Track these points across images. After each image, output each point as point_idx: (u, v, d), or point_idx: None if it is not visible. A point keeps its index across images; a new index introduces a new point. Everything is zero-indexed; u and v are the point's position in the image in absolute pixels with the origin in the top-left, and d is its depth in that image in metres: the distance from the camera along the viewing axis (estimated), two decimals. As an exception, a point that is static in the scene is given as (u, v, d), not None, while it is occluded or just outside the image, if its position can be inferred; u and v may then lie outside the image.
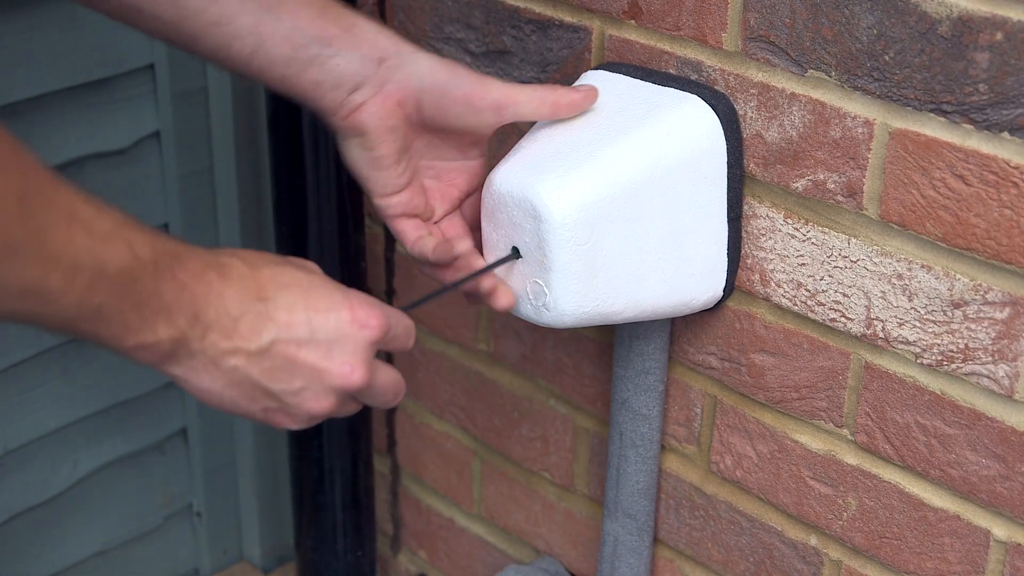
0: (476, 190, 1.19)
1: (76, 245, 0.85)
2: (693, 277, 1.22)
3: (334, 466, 1.64)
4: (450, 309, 1.56)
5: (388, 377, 1.05)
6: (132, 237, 0.89)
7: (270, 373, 0.98)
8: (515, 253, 1.14)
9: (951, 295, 1.12)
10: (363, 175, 1.15)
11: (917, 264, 1.14)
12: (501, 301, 1.14)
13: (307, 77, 1.10)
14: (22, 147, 0.83)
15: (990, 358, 1.11)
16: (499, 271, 1.16)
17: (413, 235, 1.16)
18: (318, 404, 1.00)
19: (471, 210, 1.20)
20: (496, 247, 1.16)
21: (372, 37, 1.11)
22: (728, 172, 1.21)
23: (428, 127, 1.14)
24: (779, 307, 1.24)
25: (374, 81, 1.11)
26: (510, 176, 1.14)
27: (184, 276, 0.93)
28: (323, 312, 0.98)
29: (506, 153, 1.18)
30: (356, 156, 1.14)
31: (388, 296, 1.65)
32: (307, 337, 0.98)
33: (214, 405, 0.99)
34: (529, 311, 1.16)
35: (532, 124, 1.21)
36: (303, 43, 1.09)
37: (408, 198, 1.16)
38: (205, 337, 0.95)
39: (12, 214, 0.81)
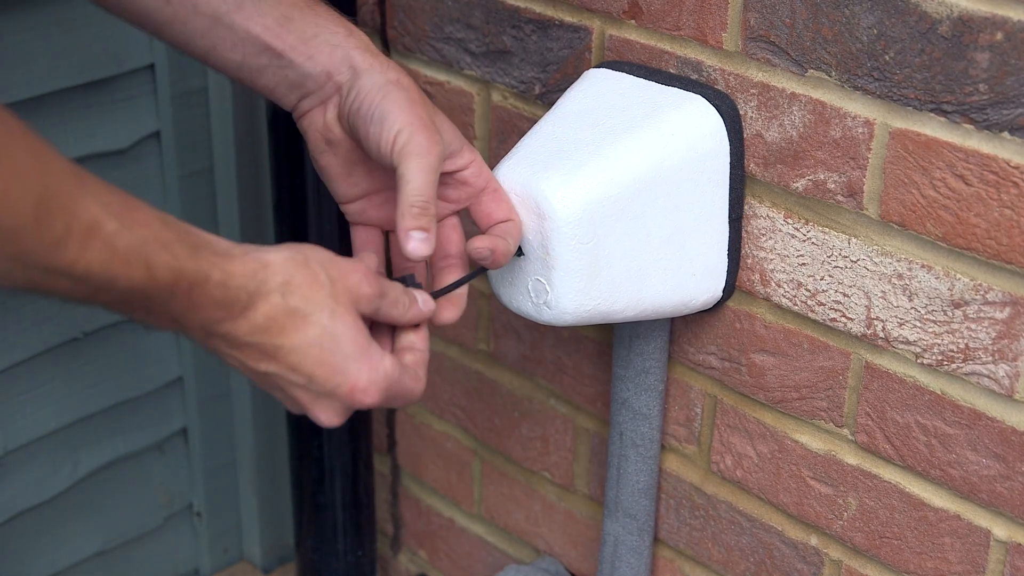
0: (473, 195, 1.15)
1: (91, 260, 0.84)
2: (694, 277, 1.22)
3: (334, 466, 1.64)
4: (450, 309, 1.56)
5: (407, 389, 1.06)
6: (154, 259, 0.88)
7: (264, 385, 1.02)
8: (517, 250, 1.14)
9: (951, 295, 1.12)
10: (321, 175, 1.15)
11: (917, 264, 1.14)
12: (445, 316, 1.12)
13: (260, 82, 1.11)
14: (47, 150, 0.82)
15: (990, 358, 1.11)
16: (500, 268, 1.17)
17: (360, 248, 1.16)
18: (298, 410, 1.04)
19: (478, 208, 1.15)
20: None
21: (329, 51, 1.09)
22: (730, 172, 1.21)
23: (358, 146, 1.12)
24: (779, 307, 1.24)
25: (319, 94, 1.11)
26: (514, 174, 1.14)
27: (202, 300, 0.93)
28: (327, 376, 0.99)
29: (507, 152, 1.18)
30: (312, 158, 1.15)
31: (388, 296, 1.65)
32: (304, 385, 1.00)
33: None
34: (530, 309, 1.16)
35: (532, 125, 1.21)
36: (254, 52, 1.09)
37: (364, 208, 1.15)
38: (208, 340, 0.97)
39: (26, 223, 0.80)
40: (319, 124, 1.12)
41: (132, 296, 0.89)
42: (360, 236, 1.17)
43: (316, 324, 0.98)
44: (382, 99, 1.07)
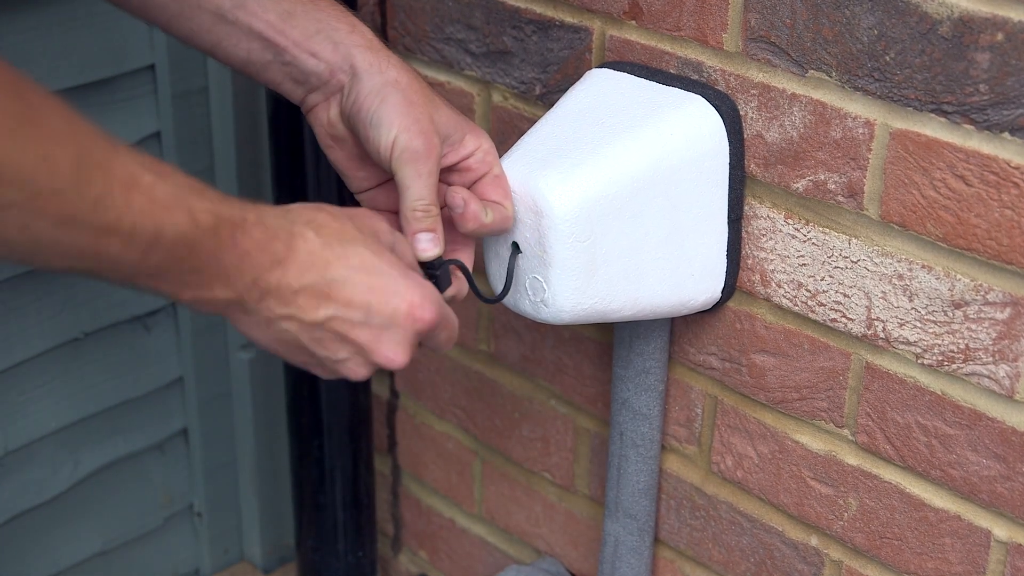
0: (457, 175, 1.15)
1: (135, 211, 0.86)
2: (692, 277, 1.22)
3: (335, 466, 1.64)
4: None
5: (446, 336, 1.09)
6: (194, 204, 0.90)
7: (320, 342, 1.01)
8: (515, 248, 1.14)
9: (952, 295, 1.12)
10: (334, 166, 1.17)
11: (918, 264, 1.14)
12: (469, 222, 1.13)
13: (265, 76, 1.12)
14: (77, 116, 0.84)
15: (991, 358, 1.11)
16: (497, 267, 1.17)
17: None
18: (357, 372, 1.04)
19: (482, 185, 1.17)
20: (497, 241, 1.16)
21: (331, 47, 1.10)
22: (730, 173, 1.21)
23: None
24: (780, 307, 1.24)
25: (323, 91, 1.12)
26: (512, 172, 1.14)
27: (247, 244, 0.94)
28: (382, 300, 1.01)
29: (507, 150, 1.18)
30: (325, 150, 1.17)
31: (389, 296, 1.65)
32: (362, 320, 1.01)
33: (261, 347, 1.02)
34: (527, 307, 1.17)
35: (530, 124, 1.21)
36: (257, 48, 1.10)
37: (379, 196, 1.16)
38: (262, 300, 0.97)
39: (68, 182, 0.82)
40: (324, 120, 1.13)
41: (180, 251, 0.90)
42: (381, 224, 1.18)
43: (355, 253, 1.00)
44: (380, 104, 1.08)
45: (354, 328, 1.01)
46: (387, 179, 1.15)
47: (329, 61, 1.10)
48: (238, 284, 0.95)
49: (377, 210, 1.16)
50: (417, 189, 1.07)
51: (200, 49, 1.13)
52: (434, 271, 1.09)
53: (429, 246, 1.08)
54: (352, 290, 1.00)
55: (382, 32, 1.51)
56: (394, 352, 1.03)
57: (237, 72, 1.15)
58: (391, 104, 1.08)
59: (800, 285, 1.22)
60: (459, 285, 1.13)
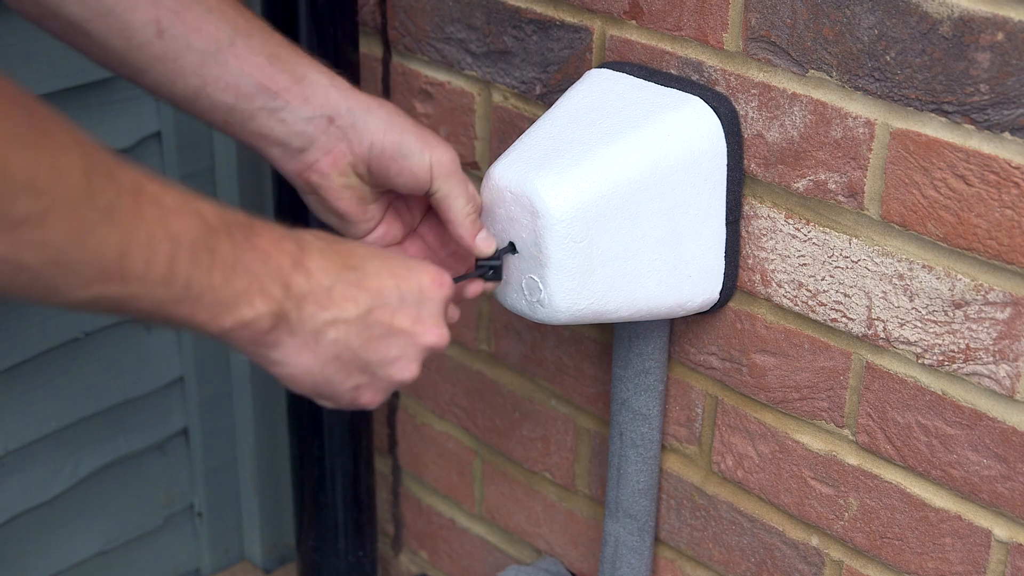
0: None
1: (147, 218, 0.84)
2: (690, 279, 1.22)
3: (335, 466, 1.64)
4: (451, 309, 1.56)
5: (452, 309, 1.11)
6: (200, 208, 0.88)
7: (369, 343, 0.99)
8: (479, 272, 1.14)
9: (952, 295, 1.12)
10: (331, 225, 1.14)
11: (918, 264, 1.14)
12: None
13: (250, 128, 1.08)
14: (79, 130, 0.82)
15: (991, 358, 1.11)
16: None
17: None
18: (407, 371, 1.03)
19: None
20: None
21: (323, 92, 1.08)
22: (728, 175, 1.21)
23: (376, 184, 1.13)
24: (780, 307, 1.24)
25: (324, 142, 1.09)
26: (509, 171, 1.14)
27: (263, 244, 0.92)
28: (406, 277, 1.01)
29: (505, 150, 1.18)
30: (317, 209, 1.13)
31: (389, 296, 1.65)
32: (398, 303, 1.00)
33: (306, 389, 0.99)
34: (524, 307, 1.17)
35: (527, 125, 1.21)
36: (248, 92, 1.06)
37: (383, 232, 1.15)
38: (302, 308, 0.95)
39: (79, 192, 0.79)
40: (332, 173, 1.10)
41: (202, 257, 0.87)
42: None
43: (357, 245, 1.00)
44: (401, 133, 1.09)
45: (395, 314, 1.00)
46: (384, 208, 1.15)
47: (323, 107, 1.08)
48: (274, 290, 0.92)
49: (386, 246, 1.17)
50: (463, 197, 1.11)
51: (177, 99, 1.07)
52: (492, 264, 1.14)
53: (490, 242, 1.12)
54: (379, 279, 0.99)
55: (382, 32, 1.51)
56: (438, 328, 1.03)
57: (215, 126, 1.09)
58: (408, 130, 1.10)
59: (801, 285, 1.22)
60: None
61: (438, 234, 1.19)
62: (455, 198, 1.11)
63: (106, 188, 0.81)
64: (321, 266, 0.96)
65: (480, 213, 1.14)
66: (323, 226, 1.53)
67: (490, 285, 1.16)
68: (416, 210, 1.18)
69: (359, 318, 0.98)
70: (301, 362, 0.97)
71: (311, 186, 1.11)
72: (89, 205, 0.80)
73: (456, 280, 1.10)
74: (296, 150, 1.09)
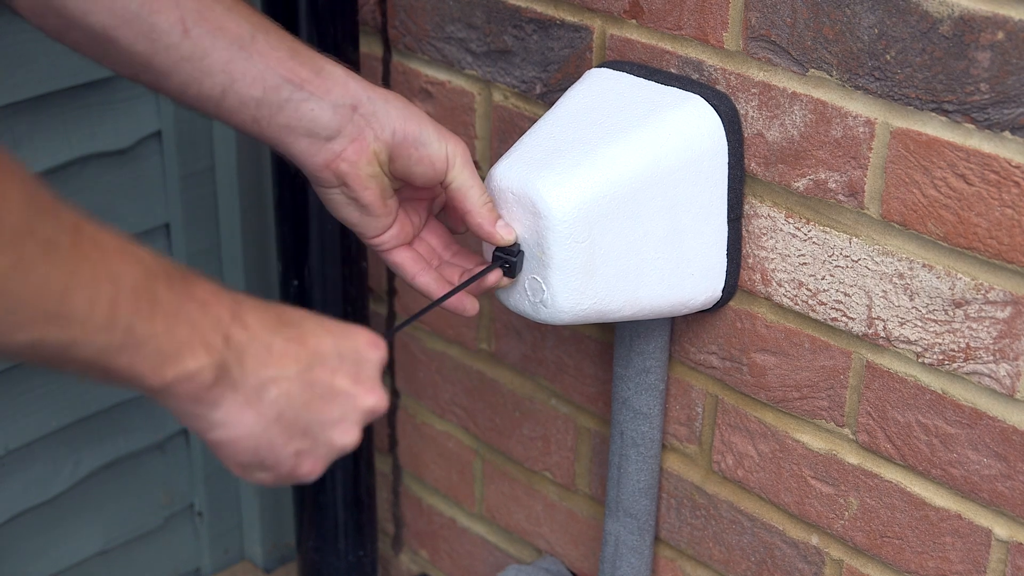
0: (439, 189, 1.17)
1: (89, 258, 0.81)
2: (692, 277, 1.22)
3: (335, 465, 1.63)
4: (451, 309, 1.56)
5: None
6: (139, 253, 0.85)
7: (311, 403, 0.94)
8: (496, 263, 1.14)
9: (952, 294, 1.12)
10: (351, 220, 1.13)
11: (918, 263, 1.14)
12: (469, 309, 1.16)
13: (278, 121, 1.08)
14: (20, 161, 0.79)
15: (991, 357, 1.11)
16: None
17: (413, 269, 1.16)
18: (349, 435, 0.97)
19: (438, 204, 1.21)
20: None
21: (343, 81, 1.09)
22: (729, 173, 1.21)
23: (395, 173, 1.13)
24: (780, 306, 1.24)
25: (350, 130, 1.09)
26: (510, 171, 1.14)
27: (201, 294, 0.89)
28: (343, 337, 0.97)
29: (506, 151, 1.18)
30: (340, 203, 1.12)
31: (389, 296, 1.65)
32: (338, 361, 0.96)
33: (247, 455, 0.93)
34: (526, 307, 1.17)
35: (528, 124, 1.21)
36: (274, 85, 1.06)
37: (398, 230, 1.15)
38: (244, 362, 0.90)
39: (21, 223, 0.76)
40: (359, 162, 1.10)
41: (143, 305, 0.83)
42: (404, 261, 1.16)
43: (288, 308, 0.96)
44: (419, 122, 1.10)
45: (335, 374, 0.95)
46: (400, 202, 1.15)
47: (343, 96, 1.08)
48: (214, 342, 0.87)
49: (399, 248, 1.15)
50: (479, 186, 1.13)
51: (203, 100, 1.06)
52: (512, 257, 1.14)
53: (510, 229, 1.13)
54: (314, 335, 0.95)
55: (382, 31, 1.51)
56: (377, 390, 0.98)
57: (243, 127, 1.08)
58: (425, 120, 1.11)
59: (801, 284, 1.22)
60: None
61: (441, 238, 1.19)
62: (471, 187, 1.12)
63: (47, 223, 0.78)
64: (259, 320, 0.91)
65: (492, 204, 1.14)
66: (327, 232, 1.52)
67: (506, 281, 1.15)
68: (420, 214, 1.18)
69: (299, 376, 0.93)
70: (244, 421, 0.91)
71: (339, 176, 1.10)
72: (32, 238, 0.77)
73: (390, 333, 1.08)
74: (324, 140, 1.09)
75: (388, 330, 1.10)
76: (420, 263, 1.16)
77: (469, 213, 1.12)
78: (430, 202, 1.18)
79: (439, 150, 1.11)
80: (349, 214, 1.13)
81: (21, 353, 0.80)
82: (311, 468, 0.97)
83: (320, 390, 0.95)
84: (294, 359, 0.93)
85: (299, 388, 0.93)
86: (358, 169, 1.10)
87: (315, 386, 0.94)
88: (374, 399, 0.97)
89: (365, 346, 0.98)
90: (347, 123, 1.09)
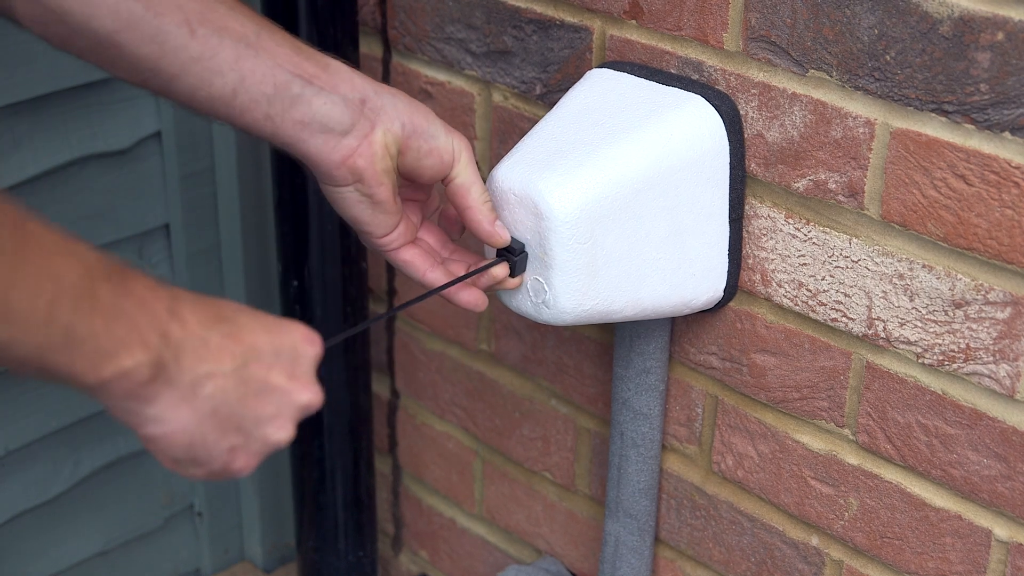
0: (430, 193, 1.18)
1: (30, 256, 0.81)
2: (694, 277, 1.22)
3: (335, 466, 1.64)
4: (451, 309, 1.56)
5: None
6: (79, 250, 0.85)
7: (245, 399, 0.94)
8: (499, 260, 1.14)
9: (952, 295, 1.12)
10: (363, 219, 1.12)
11: (918, 264, 1.14)
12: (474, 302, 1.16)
13: (291, 117, 1.07)
14: None
15: (991, 358, 1.11)
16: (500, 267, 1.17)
17: (423, 266, 1.15)
18: (283, 430, 0.98)
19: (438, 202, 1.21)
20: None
21: (348, 77, 1.08)
22: (730, 173, 1.21)
23: (404, 167, 1.13)
24: (780, 307, 1.24)
25: (362, 124, 1.08)
26: (512, 172, 1.14)
27: (140, 290, 0.88)
28: (279, 333, 0.96)
29: (508, 150, 1.18)
30: (352, 202, 1.11)
31: (389, 296, 1.65)
32: (273, 357, 0.96)
33: (179, 450, 0.93)
34: (529, 308, 1.16)
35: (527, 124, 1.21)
36: (285, 80, 1.06)
37: (404, 228, 1.14)
38: (180, 359, 0.90)
39: None
40: (374, 157, 1.09)
41: (83, 303, 0.84)
42: (413, 259, 1.16)
43: (225, 300, 0.96)
44: (425, 116, 1.10)
45: (271, 370, 0.95)
46: (405, 201, 1.15)
47: (350, 91, 1.08)
48: (151, 338, 0.87)
49: (406, 246, 1.15)
50: (480, 183, 1.13)
51: (213, 102, 1.05)
52: (514, 256, 1.14)
53: (506, 231, 1.14)
54: (250, 331, 0.95)
55: (382, 32, 1.51)
56: (312, 386, 0.97)
57: (253, 127, 1.07)
58: (430, 114, 1.11)
59: (801, 285, 1.22)
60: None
61: (438, 238, 1.19)
62: (472, 184, 1.12)
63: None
64: (195, 316, 0.91)
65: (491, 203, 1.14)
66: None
67: (514, 281, 1.15)
68: (417, 214, 1.18)
69: (235, 371, 0.93)
70: (178, 417, 0.91)
71: (356, 172, 1.09)
72: None
73: (329, 341, 1.05)
74: (339, 135, 1.08)
75: (384, 313, 1.10)
76: (429, 260, 1.16)
77: (469, 209, 1.12)
78: (424, 204, 1.18)
79: (447, 143, 1.11)
80: (360, 212, 1.11)
81: None
82: (244, 464, 0.98)
83: (255, 386, 0.94)
84: (230, 355, 0.92)
85: (234, 384, 0.93)
86: (373, 165, 1.09)
87: (250, 382, 0.94)
88: (308, 395, 0.97)
89: (301, 342, 0.97)
90: (359, 117, 1.08)
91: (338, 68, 1.09)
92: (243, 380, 0.94)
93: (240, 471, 0.98)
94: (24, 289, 0.80)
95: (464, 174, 1.12)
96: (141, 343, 0.87)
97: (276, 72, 1.06)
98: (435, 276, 1.15)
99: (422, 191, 1.17)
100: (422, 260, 1.15)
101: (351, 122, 1.08)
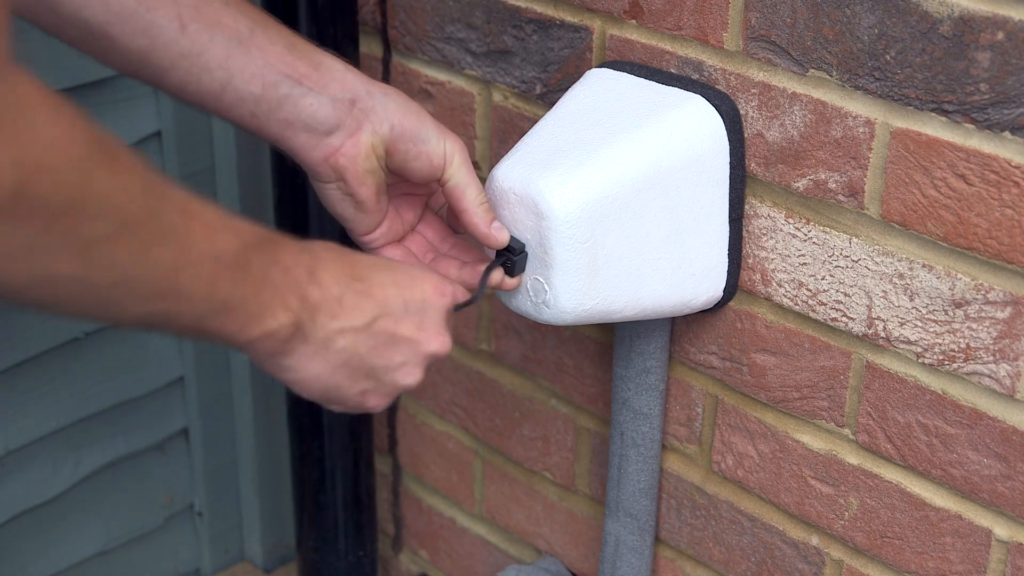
0: (435, 186, 1.18)
1: (195, 237, 0.87)
2: (694, 277, 1.22)
3: (335, 466, 1.64)
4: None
5: None
6: (236, 225, 0.91)
7: (375, 350, 1.03)
8: (499, 261, 1.14)
9: (952, 295, 1.12)
10: (345, 216, 1.14)
11: (918, 264, 1.14)
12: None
13: (277, 116, 1.08)
14: (131, 148, 0.85)
15: (991, 357, 1.11)
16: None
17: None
18: (411, 376, 1.06)
19: (436, 201, 1.21)
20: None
21: (341, 76, 1.09)
22: (730, 173, 1.21)
23: (392, 168, 1.13)
24: (780, 307, 1.24)
25: (348, 124, 1.09)
26: (513, 172, 1.14)
27: (286, 259, 0.96)
28: (410, 287, 1.04)
29: (508, 150, 1.18)
30: (336, 199, 1.13)
31: (389, 296, 1.65)
32: (402, 312, 1.03)
33: (315, 394, 1.03)
34: (529, 308, 1.16)
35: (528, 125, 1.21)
36: (273, 81, 1.07)
37: (387, 228, 1.16)
38: (316, 318, 0.98)
39: (142, 211, 0.82)
40: (357, 156, 1.10)
41: (238, 275, 0.90)
42: (395, 253, 1.17)
43: (366, 256, 1.04)
44: (418, 118, 1.11)
45: (399, 323, 1.03)
46: (391, 199, 1.16)
47: (342, 91, 1.09)
48: (292, 302, 0.96)
49: (390, 245, 1.17)
50: (476, 185, 1.13)
51: (201, 96, 1.07)
52: (514, 255, 1.14)
53: (504, 231, 1.14)
54: (381, 286, 1.02)
55: (382, 32, 1.51)
56: (440, 335, 1.06)
57: (241, 122, 1.10)
58: (424, 116, 1.12)
59: (801, 284, 1.22)
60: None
61: (438, 231, 1.19)
62: (467, 186, 1.13)
63: (162, 208, 0.84)
64: (332, 276, 0.99)
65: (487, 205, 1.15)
66: (326, 226, 1.52)
67: (513, 282, 1.15)
68: (415, 209, 1.18)
69: (365, 327, 1.01)
70: (312, 368, 1.00)
71: (338, 171, 1.11)
72: (150, 225, 0.83)
73: (460, 307, 1.12)
74: (323, 134, 1.09)
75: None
76: (413, 259, 1.17)
77: (465, 212, 1.13)
78: (426, 198, 1.18)
79: (437, 147, 1.11)
80: (344, 209, 1.14)
81: (131, 323, 0.88)
82: (376, 403, 1.07)
83: (384, 338, 1.03)
84: (360, 311, 1.01)
85: (364, 338, 1.01)
86: (356, 164, 1.11)
87: (379, 335, 1.02)
88: (437, 343, 1.06)
89: (432, 294, 1.06)
90: (346, 117, 1.09)
91: (331, 66, 1.09)
92: (372, 334, 1.02)
93: (374, 408, 1.07)
94: (191, 269, 0.87)
95: (457, 176, 1.13)
96: (284, 306, 0.95)
97: (265, 72, 1.07)
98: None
99: (422, 186, 1.17)
100: (406, 259, 1.17)
101: (336, 122, 1.09)
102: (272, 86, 1.07)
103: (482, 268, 1.15)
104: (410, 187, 1.17)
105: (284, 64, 1.07)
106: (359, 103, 1.09)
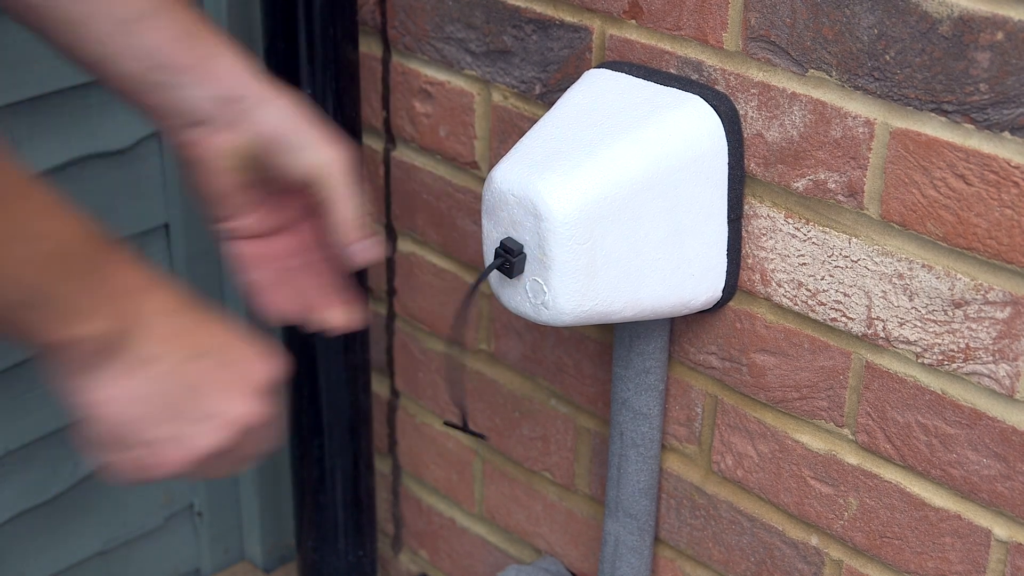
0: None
1: (18, 215, 0.83)
2: (692, 277, 1.22)
3: (335, 466, 1.64)
4: (451, 309, 1.56)
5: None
6: (66, 216, 0.87)
7: (188, 391, 0.94)
8: (497, 262, 1.14)
9: (952, 295, 1.12)
10: (200, 198, 1.12)
11: (918, 264, 1.14)
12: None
13: (147, 100, 1.07)
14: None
15: (991, 357, 1.11)
16: (497, 271, 1.17)
17: (245, 266, 1.14)
18: (210, 437, 0.95)
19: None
20: (495, 244, 1.16)
21: (227, 73, 1.07)
22: (729, 173, 1.21)
23: (268, 170, 1.12)
24: (780, 307, 1.24)
25: (218, 121, 1.08)
26: (511, 174, 1.14)
27: (115, 265, 0.90)
28: (237, 341, 0.97)
29: (507, 150, 1.18)
30: (188, 178, 1.12)
31: (389, 296, 1.65)
32: (224, 362, 0.95)
33: (107, 424, 0.92)
34: (528, 309, 1.16)
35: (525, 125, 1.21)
36: (151, 66, 1.05)
37: (254, 221, 1.13)
38: (134, 337, 0.91)
39: None
40: (218, 153, 1.09)
41: (63, 264, 0.85)
42: (243, 250, 1.14)
43: (202, 303, 0.96)
44: (295, 127, 1.08)
45: (217, 372, 0.95)
46: (264, 203, 1.13)
47: (228, 88, 1.07)
48: (112, 313, 0.89)
49: (255, 236, 1.14)
50: (347, 201, 1.09)
51: (84, 62, 1.07)
52: (512, 256, 1.13)
53: (367, 255, 1.11)
54: (210, 330, 0.95)
55: (382, 31, 1.51)
56: (254, 403, 0.97)
57: (115, 92, 1.08)
58: (304, 126, 1.09)
59: (800, 284, 1.22)
60: None
61: (319, 236, 1.16)
62: (338, 200, 1.09)
63: None
64: (165, 302, 0.93)
65: (364, 223, 1.11)
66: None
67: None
68: (299, 207, 1.15)
69: (183, 362, 0.93)
70: (115, 391, 0.91)
71: (192, 160, 1.10)
72: None
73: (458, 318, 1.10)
74: (187, 125, 1.08)
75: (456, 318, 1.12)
76: (258, 260, 1.14)
77: (333, 226, 1.10)
78: (309, 201, 1.15)
79: (310, 159, 1.09)
80: (196, 191, 1.12)
81: None
82: (172, 457, 0.94)
83: (197, 382, 0.94)
84: (182, 346, 0.93)
85: (178, 374, 0.92)
86: (213, 159, 1.09)
87: (194, 377, 0.93)
88: (247, 410, 0.96)
89: (256, 357, 0.97)
90: (217, 115, 1.08)
91: (221, 62, 1.07)
92: (187, 373, 0.93)
93: (167, 465, 0.95)
94: (8, 247, 0.82)
95: (329, 189, 1.09)
96: (104, 315, 0.88)
97: (144, 57, 1.05)
98: (256, 278, 1.13)
99: (302, 193, 1.14)
100: (249, 259, 1.14)
101: (205, 117, 1.08)
102: (149, 71, 1.05)
103: (331, 306, 1.13)
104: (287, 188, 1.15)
105: (168, 52, 1.05)
106: (240, 104, 1.07)
